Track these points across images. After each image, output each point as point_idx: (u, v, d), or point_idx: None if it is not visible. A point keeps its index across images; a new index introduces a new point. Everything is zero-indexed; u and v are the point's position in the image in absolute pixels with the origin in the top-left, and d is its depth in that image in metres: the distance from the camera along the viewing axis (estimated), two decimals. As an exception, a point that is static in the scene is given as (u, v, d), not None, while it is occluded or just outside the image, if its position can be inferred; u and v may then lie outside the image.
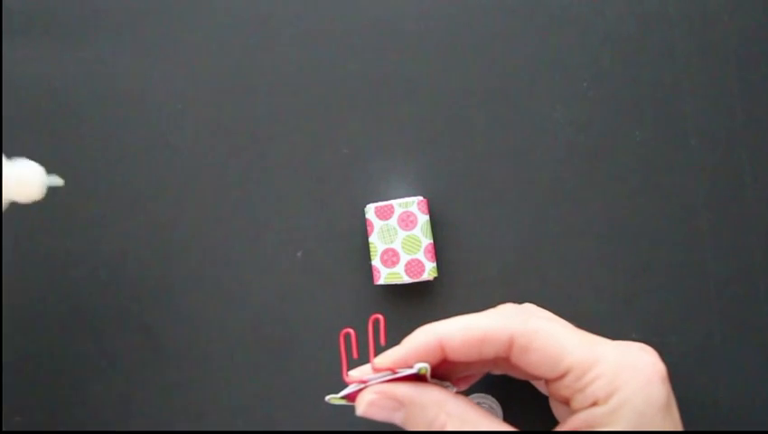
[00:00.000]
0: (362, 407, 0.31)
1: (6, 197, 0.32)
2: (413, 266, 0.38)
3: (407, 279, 0.38)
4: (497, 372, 0.36)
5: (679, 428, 0.31)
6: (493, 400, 0.39)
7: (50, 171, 0.42)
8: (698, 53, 0.40)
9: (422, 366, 0.31)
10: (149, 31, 0.42)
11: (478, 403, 0.39)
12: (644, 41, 0.40)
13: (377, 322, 0.33)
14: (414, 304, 0.40)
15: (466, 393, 0.39)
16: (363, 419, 0.32)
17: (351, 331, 0.32)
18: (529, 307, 0.36)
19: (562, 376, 0.30)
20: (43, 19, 0.42)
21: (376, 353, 0.32)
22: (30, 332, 0.41)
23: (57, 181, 0.34)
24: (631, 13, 0.40)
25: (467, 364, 0.33)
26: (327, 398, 0.33)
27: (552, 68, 0.40)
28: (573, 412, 0.30)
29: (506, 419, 0.39)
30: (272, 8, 0.42)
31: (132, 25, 0.42)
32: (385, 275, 0.38)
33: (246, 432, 0.40)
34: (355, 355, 0.33)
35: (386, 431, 0.38)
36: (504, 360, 0.32)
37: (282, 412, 0.40)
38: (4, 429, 0.40)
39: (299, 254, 0.40)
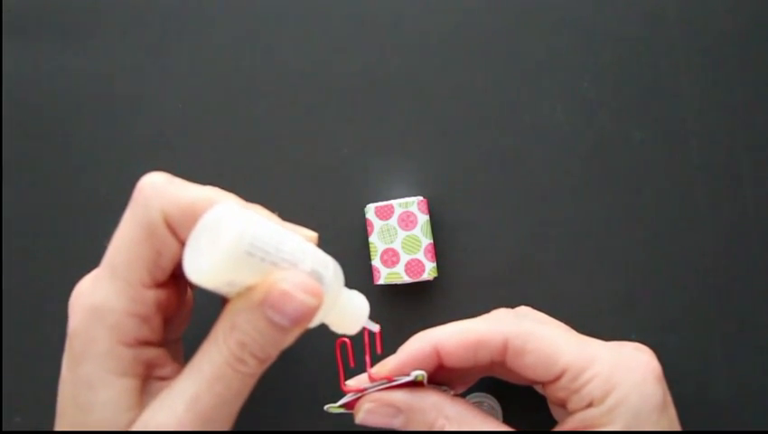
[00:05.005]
0: (361, 415, 0.31)
1: (321, 318, 0.29)
2: (413, 266, 0.38)
3: (407, 279, 0.38)
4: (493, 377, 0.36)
5: (676, 427, 0.30)
6: (493, 399, 0.39)
7: (50, 171, 0.42)
8: (698, 53, 0.40)
9: (419, 373, 0.31)
10: (149, 31, 0.42)
11: (478, 402, 0.39)
12: (644, 41, 0.40)
13: (371, 332, 0.33)
14: (414, 304, 0.40)
15: (466, 393, 0.39)
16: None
17: (346, 340, 0.32)
18: (523, 310, 0.36)
19: (558, 378, 0.30)
20: (43, 19, 0.42)
21: (372, 363, 0.32)
22: (30, 332, 0.41)
23: (374, 326, 0.31)
24: (631, 13, 0.40)
25: (463, 371, 0.33)
26: (326, 407, 0.33)
27: (552, 68, 0.40)
28: (570, 414, 0.30)
29: (505, 418, 0.39)
30: (272, 8, 0.41)
31: (132, 25, 0.42)
32: (385, 275, 0.38)
33: (245, 432, 0.40)
34: (352, 365, 0.33)
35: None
36: (500, 364, 0.32)
37: (281, 418, 0.40)
38: (4, 429, 0.40)
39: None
